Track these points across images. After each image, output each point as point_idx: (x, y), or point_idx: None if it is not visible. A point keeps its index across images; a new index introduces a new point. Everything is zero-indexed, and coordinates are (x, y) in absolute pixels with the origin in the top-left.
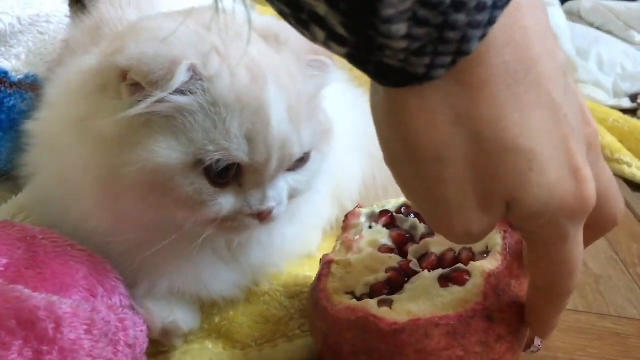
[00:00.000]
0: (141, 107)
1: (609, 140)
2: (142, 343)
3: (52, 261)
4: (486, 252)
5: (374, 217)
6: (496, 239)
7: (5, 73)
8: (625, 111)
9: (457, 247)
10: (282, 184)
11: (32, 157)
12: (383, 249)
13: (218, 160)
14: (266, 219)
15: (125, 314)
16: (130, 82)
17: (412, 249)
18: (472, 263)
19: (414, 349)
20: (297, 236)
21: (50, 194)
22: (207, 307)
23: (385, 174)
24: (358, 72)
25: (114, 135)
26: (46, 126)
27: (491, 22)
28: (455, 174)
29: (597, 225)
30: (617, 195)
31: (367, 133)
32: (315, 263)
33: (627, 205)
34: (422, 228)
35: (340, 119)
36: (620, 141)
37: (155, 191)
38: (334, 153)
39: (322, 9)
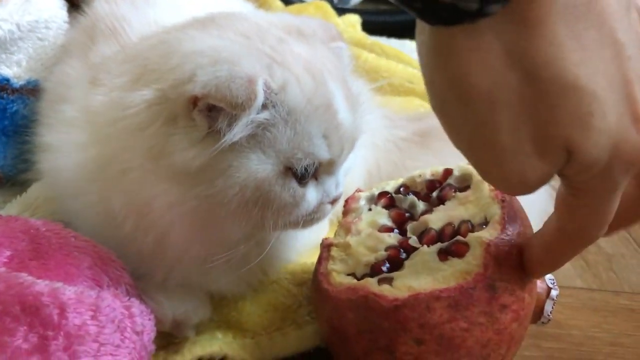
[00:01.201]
0: (237, 132)
1: None
2: (150, 331)
3: (56, 252)
4: (485, 223)
5: (373, 200)
6: (494, 208)
7: (7, 80)
8: None
9: (456, 221)
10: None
11: (87, 198)
12: (383, 229)
13: (307, 164)
14: (336, 203)
15: (132, 302)
16: (204, 107)
17: (410, 226)
18: (470, 234)
19: (416, 323)
20: (308, 230)
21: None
22: (216, 299)
23: (389, 162)
24: (359, 63)
25: (202, 165)
26: (95, 166)
27: None
28: (509, 118)
29: None
30: None
31: (370, 124)
32: None
33: None
34: (420, 205)
35: None
36: None
37: (257, 205)
38: None
39: None
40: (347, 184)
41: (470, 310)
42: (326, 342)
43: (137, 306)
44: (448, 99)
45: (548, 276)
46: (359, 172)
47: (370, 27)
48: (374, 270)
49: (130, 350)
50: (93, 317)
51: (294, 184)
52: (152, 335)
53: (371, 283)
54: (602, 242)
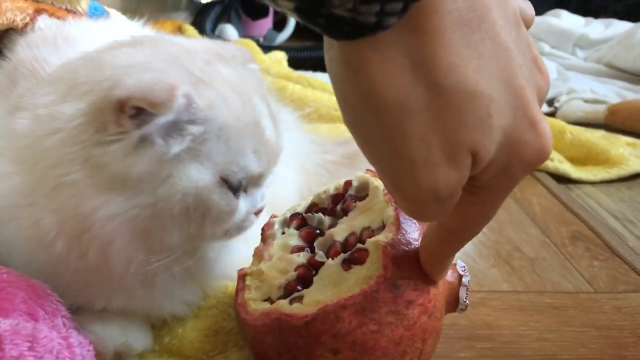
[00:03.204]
0: (180, 146)
1: None
2: None
3: None
4: (383, 227)
5: (285, 223)
6: (389, 211)
7: None
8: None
9: (358, 230)
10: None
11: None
12: (295, 249)
13: (241, 177)
14: (260, 213)
15: (69, 333)
16: (131, 112)
17: (317, 242)
18: (368, 240)
19: (329, 334)
20: (241, 252)
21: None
22: (156, 328)
23: (320, 185)
24: (286, 94)
25: (142, 173)
26: (23, 190)
27: None
28: (418, 127)
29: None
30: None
31: (299, 149)
32: None
33: (554, 195)
34: (327, 220)
35: None
36: None
37: (197, 212)
38: None
39: None
40: (281, 206)
41: (377, 312)
42: None
43: (75, 337)
44: (359, 113)
45: (459, 264)
46: (292, 196)
47: (296, 63)
48: (287, 291)
49: None
50: (30, 348)
51: (229, 194)
52: None
53: (282, 304)
54: (525, 247)
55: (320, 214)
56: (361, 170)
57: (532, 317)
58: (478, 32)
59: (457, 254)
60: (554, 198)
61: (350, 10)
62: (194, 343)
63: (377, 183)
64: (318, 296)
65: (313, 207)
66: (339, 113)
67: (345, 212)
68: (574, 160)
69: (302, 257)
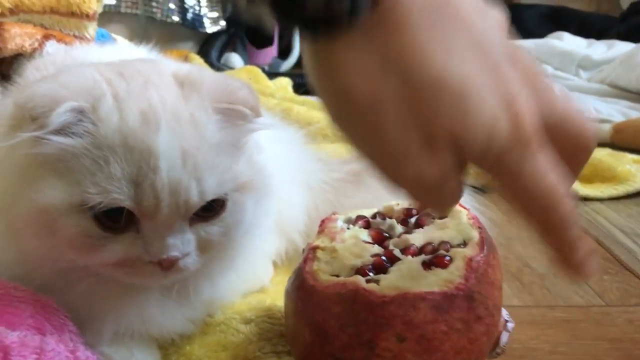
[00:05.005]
0: (7, 143)
1: None
2: None
3: None
4: (464, 244)
5: (350, 221)
6: (473, 233)
7: None
8: None
9: (436, 241)
10: (189, 235)
11: None
12: (364, 242)
13: (101, 204)
14: (171, 270)
15: (77, 347)
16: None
17: (392, 241)
18: (453, 249)
19: (401, 320)
20: (247, 271)
21: None
22: (163, 348)
23: (326, 202)
24: (292, 116)
25: (15, 170)
26: None
27: None
28: (394, 119)
29: (571, 152)
30: (579, 115)
31: (304, 168)
32: (268, 294)
33: None
34: (399, 228)
35: (274, 155)
36: None
37: (43, 230)
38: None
39: None
40: (289, 227)
41: (451, 315)
42: (298, 353)
43: (82, 351)
44: (341, 110)
45: (504, 311)
46: (298, 214)
47: (301, 88)
48: (358, 273)
49: None
50: None
51: (89, 223)
52: None
53: (360, 280)
54: (534, 263)
55: (394, 220)
56: (368, 186)
57: (543, 331)
58: (442, 21)
59: None
60: None
61: (323, 8)
62: (203, 359)
63: (459, 208)
64: (397, 283)
65: (378, 215)
66: None
67: (419, 226)
68: (581, 178)
69: (376, 249)
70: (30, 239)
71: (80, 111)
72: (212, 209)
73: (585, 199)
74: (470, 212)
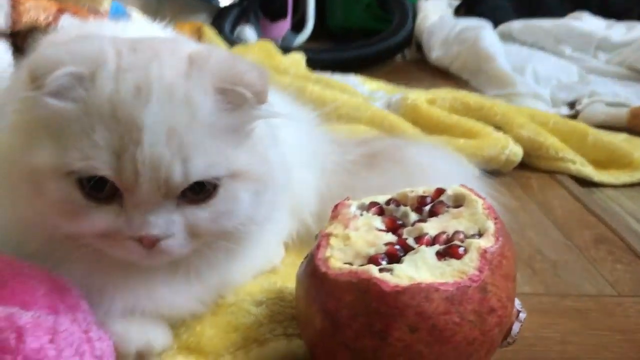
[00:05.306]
0: (10, 102)
1: (552, 140)
2: (109, 356)
3: (10, 280)
4: (479, 235)
5: (364, 208)
6: (488, 223)
7: None
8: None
9: (450, 231)
10: (175, 216)
11: None
12: (377, 230)
13: (81, 170)
14: (153, 249)
15: (90, 327)
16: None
17: (406, 230)
18: (467, 240)
19: (414, 311)
20: (259, 253)
21: None
22: (174, 327)
23: (339, 184)
24: (305, 95)
25: (21, 131)
26: None
27: None
28: None
29: None
30: None
31: (318, 149)
32: (279, 275)
33: (576, 198)
34: (413, 216)
35: (287, 135)
36: (562, 141)
37: (33, 191)
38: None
39: None
40: (302, 207)
41: (464, 307)
42: (309, 338)
43: (95, 331)
44: None
45: (516, 301)
46: (311, 196)
47: (314, 64)
48: (371, 262)
49: None
50: (51, 341)
51: (73, 190)
52: None
53: (373, 269)
54: (546, 250)
55: (408, 208)
56: (381, 170)
57: (554, 320)
58: None
59: None
60: (576, 201)
61: None
62: (213, 339)
63: (475, 198)
64: (410, 273)
65: (392, 202)
66: (358, 113)
67: (433, 214)
68: (596, 163)
69: (390, 237)
70: (23, 200)
71: (77, 77)
72: (202, 192)
73: (600, 185)
74: (486, 201)
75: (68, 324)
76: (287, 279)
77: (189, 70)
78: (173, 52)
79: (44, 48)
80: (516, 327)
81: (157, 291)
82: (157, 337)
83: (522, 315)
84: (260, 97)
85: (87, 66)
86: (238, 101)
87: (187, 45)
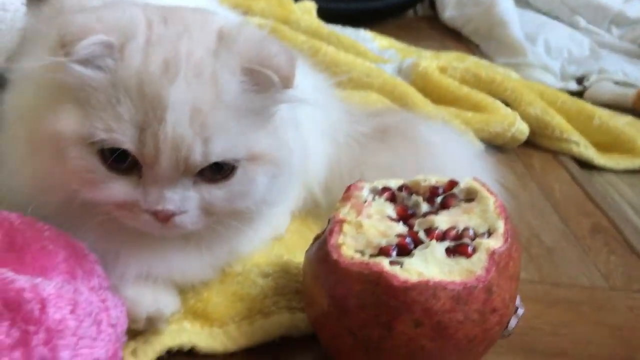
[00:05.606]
0: (35, 63)
1: (558, 120)
2: (123, 323)
3: (31, 245)
4: (488, 234)
5: (376, 192)
6: (499, 223)
7: None
8: (572, 93)
9: (460, 226)
10: (191, 193)
11: None
12: (389, 219)
13: (103, 141)
14: (167, 223)
15: (106, 295)
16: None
17: (418, 221)
18: (477, 239)
19: (421, 307)
20: (268, 223)
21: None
22: (182, 292)
23: (350, 157)
24: (319, 57)
25: (45, 91)
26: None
27: None
28: None
29: None
30: None
31: (330, 118)
32: (283, 244)
33: (576, 182)
34: (424, 207)
35: (302, 108)
36: (569, 121)
37: (55, 155)
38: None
39: None
40: (310, 177)
41: (469, 306)
42: (313, 317)
43: (111, 299)
44: None
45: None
46: (321, 167)
47: (325, 13)
48: (382, 252)
49: (106, 343)
50: (72, 312)
51: (94, 159)
52: (125, 326)
53: (385, 262)
54: (544, 235)
55: (420, 198)
56: (392, 146)
57: (546, 310)
58: None
59: None
60: (576, 185)
61: None
62: (219, 307)
63: (487, 195)
64: (420, 268)
65: (404, 189)
66: (369, 80)
67: (444, 206)
68: (600, 146)
69: (401, 228)
70: (43, 162)
71: (107, 46)
72: (220, 172)
73: (600, 168)
74: (497, 199)
75: (87, 294)
76: (292, 248)
77: (217, 48)
78: (203, 26)
79: (74, 12)
80: (513, 322)
81: (170, 258)
82: (167, 303)
83: (521, 311)
84: (286, 82)
85: (118, 36)
86: (264, 84)
87: (218, 18)
